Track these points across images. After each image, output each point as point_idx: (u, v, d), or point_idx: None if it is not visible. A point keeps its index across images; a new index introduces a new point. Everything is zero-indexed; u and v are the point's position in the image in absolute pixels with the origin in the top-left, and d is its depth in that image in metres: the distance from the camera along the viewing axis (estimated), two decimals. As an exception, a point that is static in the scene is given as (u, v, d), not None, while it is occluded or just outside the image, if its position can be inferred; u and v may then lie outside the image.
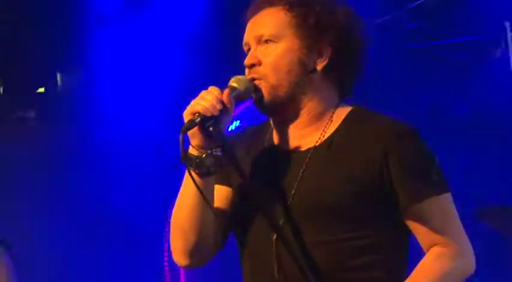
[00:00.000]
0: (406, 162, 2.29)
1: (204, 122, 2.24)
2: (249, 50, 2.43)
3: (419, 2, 5.78)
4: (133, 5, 5.93)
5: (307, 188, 2.31)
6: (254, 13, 2.45)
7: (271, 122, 2.46)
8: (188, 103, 2.30)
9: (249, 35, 2.43)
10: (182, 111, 2.30)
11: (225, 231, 2.44)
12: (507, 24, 5.54)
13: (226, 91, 2.30)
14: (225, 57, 5.47)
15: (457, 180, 5.48)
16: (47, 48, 5.98)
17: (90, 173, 6.18)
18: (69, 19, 5.88)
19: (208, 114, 2.24)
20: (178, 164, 2.31)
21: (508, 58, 5.52)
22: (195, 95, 2.32)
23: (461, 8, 5.69)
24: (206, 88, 2.32)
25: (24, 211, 5.95)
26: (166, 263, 6.23)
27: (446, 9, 5.79)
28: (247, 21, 2.46)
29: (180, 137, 2.22)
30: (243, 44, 2.46)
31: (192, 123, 2.24)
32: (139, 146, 6.25)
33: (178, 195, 2.38)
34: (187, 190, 2.34)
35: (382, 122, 2.36)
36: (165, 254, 6.22)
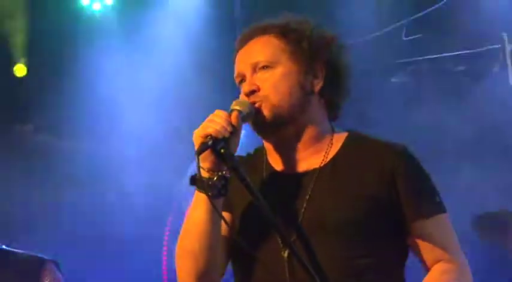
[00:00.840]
0: (412, 181, 2.39)
1: (216, 144, 2.26)
2: (241, 81, 2.46)
3: (416, 15, 5.79)
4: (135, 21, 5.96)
5: (317, 207, 2.35)
6: (244, 43, 2.48)
7: (269, 147, 2.49)
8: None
9: (243, 64, 2.46)
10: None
11: (228, 255, 2.46)
12: (505, 36, 5.56)
13: (234, 113, 2.32)
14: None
15: (457, 196, 5.51)
16: (48, 59, 6.00)
17: (88, 185, 6.18)
18: (70, 33, 5.91)
19: (220, 137, 2.26)
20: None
21: (507, 70, 5.53)
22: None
23: (459, 21, 5.71)
24: (213, 112, 2.33)
25: (20, 223, 5.95)
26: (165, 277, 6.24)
27: (443, 23, 5.81)
28: (237, 52, 2.50)
29: (196, 160, 2.24)
30: (235, 76, 2.48)
31: (205, 146, 2.25)
32: (137, 160, 6.25)
33: (187, 218, 2.39)
34: (198, 213, 2.35)
35: (383, 144, 2.44)
36: (164, 270, 6.22)
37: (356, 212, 2.32)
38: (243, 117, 2.34)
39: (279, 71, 2.41)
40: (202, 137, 2.26)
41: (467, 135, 5.89)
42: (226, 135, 2.26)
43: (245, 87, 2.41)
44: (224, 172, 2.29)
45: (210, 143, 2.24)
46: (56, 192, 6.15)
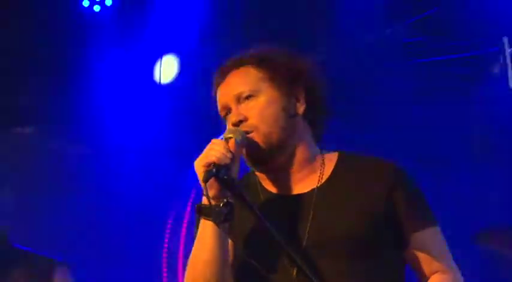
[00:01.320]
0: (408, 196, 2.50)
1: (219, 171, 2.32)
2: (226, 114, 2.54)
3: (417, 17, 5.80)
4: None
5: (322, 225, 2.43)
6: (223, 77, 2.57)
7: (261, 173, 2.55)
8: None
9: (227, 97, 2.54)
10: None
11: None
12: (505, 39, 5.56)
13: (232, 141, 2.40)
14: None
15: (457, 197, 5.51)
16: (46, 63, 6.00)
17: (87, 187, 6.19)
18: (67, 34, 5.92)
19: (223, 164, 2.33)
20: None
21: (507, 74, 5.54)
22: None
23: (459, 23, 5.71)
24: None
25: (20, 226, 5.95)
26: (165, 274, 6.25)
27: (444, 25, 5.81)
28: (217, 87, 2.59)
29: (204, 188, 2.32)
30: (220, 109, 2.57)
31: (210, 174, 2.32)
32: (137, 161, 6.26)
33: (195, 247, 2.44)
34: (206, 240, 2.41)
35: (376, 162, 2.55)
36: (164, 270, 6.22)
37: (360, 228, 2.41)
38: (238, 145, 2.42)
39: (262, 99, 2.50)
40: (205, 166, 2.34)
41: (466, 138, 5.90)
42: (228, 162, 2.34)
43: (233, 118, 2.50)
44: (228, 198, 2.36)
45: (214, 170, 2.32)
46: (55, 195, 6.16)
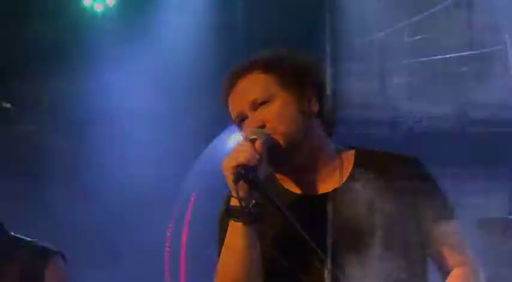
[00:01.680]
0: (428, 187, 2.51)
1: (248, 173, 2.33)
2: (241, 121, 2.54)
3: (419, 17, 5.80)
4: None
5: (347, 224, 2.44)
6: (232, 85, 2.56)
7: (281, 175, 2.55)
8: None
9: (241, 105, 2.53)
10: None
11: None
12: (507, 38, 5.56)
13: (259, 142, 2.40)
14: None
15: (459, 198, 5.49)
16: (47, 63, 6.00)
17: (89, 187, 6.20)
18: (68, 33, 5.92)
19: (252, 165, 2.34)
20: None
21: (509, 72, 5.54)
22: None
23: (461, 22, 5.71)
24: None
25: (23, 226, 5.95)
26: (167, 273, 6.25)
27: (446, 24, 5.81)
28: (227, 95, 2.57)
29: (234, 189, 2.32)
30: (234, 117, 2.56)
31: (240, 175, 2.33)
32: (139, 161, 6.26)
33: (225, 249, 2.45)
34: (236, 243, 2.41)
35: (395, 156, 2.56)
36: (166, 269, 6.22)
37: (386, 225, 2.42)
38: (264, 146, 2.41)
39: (278, 103, 2.50)
40: (234, 168, 2.33)
41: (468, 137, 5.90)
42: (257, 162, 2.35)
43: (252, 124, 2.49)
44: (258, 199, 2.37)
45: (243, 172, 2.32)
46: (58, 195, 6.16)
